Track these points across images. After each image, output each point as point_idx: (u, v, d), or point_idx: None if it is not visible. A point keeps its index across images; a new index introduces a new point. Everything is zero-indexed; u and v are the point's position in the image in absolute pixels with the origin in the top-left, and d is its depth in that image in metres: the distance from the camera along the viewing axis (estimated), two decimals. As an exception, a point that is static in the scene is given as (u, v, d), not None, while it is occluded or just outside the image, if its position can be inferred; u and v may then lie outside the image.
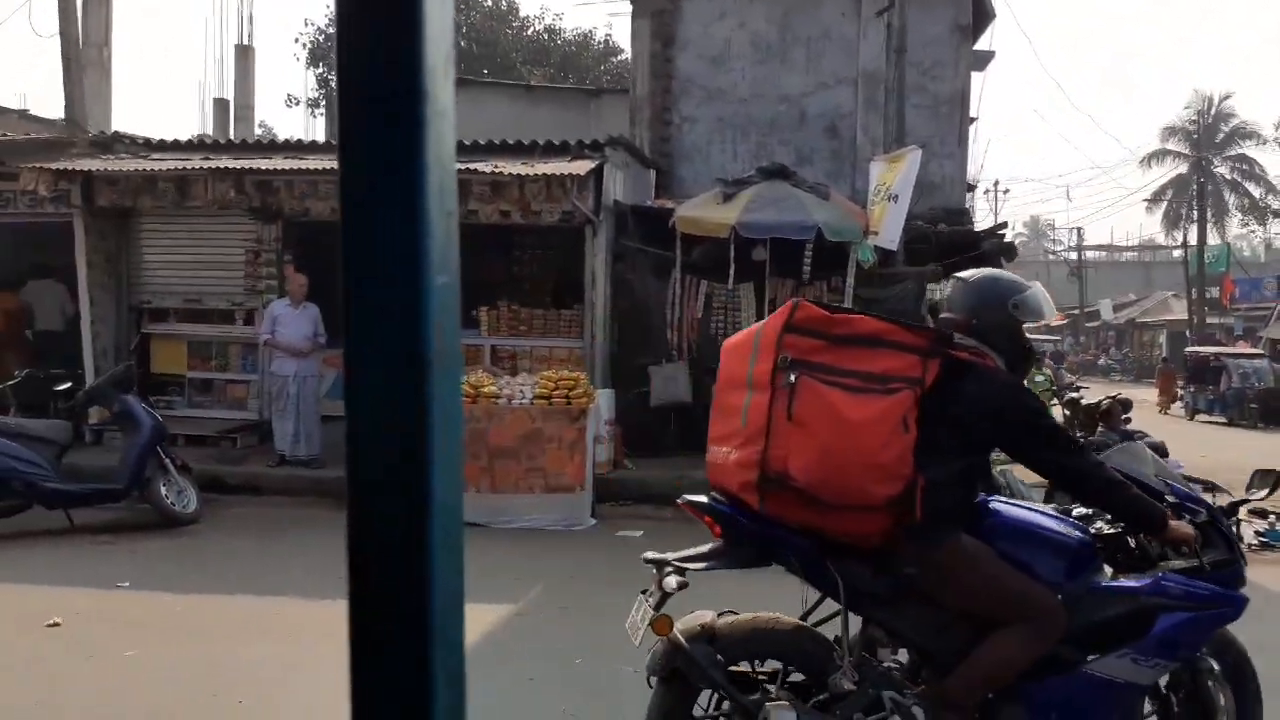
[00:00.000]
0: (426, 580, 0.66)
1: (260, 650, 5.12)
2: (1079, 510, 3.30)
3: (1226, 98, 42.38)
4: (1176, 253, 49.78)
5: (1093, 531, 3.18)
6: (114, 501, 7.89)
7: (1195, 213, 40.71)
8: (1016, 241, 14.97)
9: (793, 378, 2.87)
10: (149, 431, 7.80)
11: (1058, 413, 16.57)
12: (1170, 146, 42.79)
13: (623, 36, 40.04)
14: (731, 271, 9.82)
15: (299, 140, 12.33)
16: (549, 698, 4.50)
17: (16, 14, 75.69)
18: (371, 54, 0.65)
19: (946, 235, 11.14)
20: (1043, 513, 3.29)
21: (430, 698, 0.67)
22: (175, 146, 11.83)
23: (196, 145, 12.05)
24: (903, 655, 3.23)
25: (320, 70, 26.29)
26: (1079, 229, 50.54)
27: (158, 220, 11.16)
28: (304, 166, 10.12)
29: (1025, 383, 13.75)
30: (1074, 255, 51.28)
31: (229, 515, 8.42)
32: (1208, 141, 40.98)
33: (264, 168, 10.10)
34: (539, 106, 17.20)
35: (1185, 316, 38.87)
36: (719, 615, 3.15)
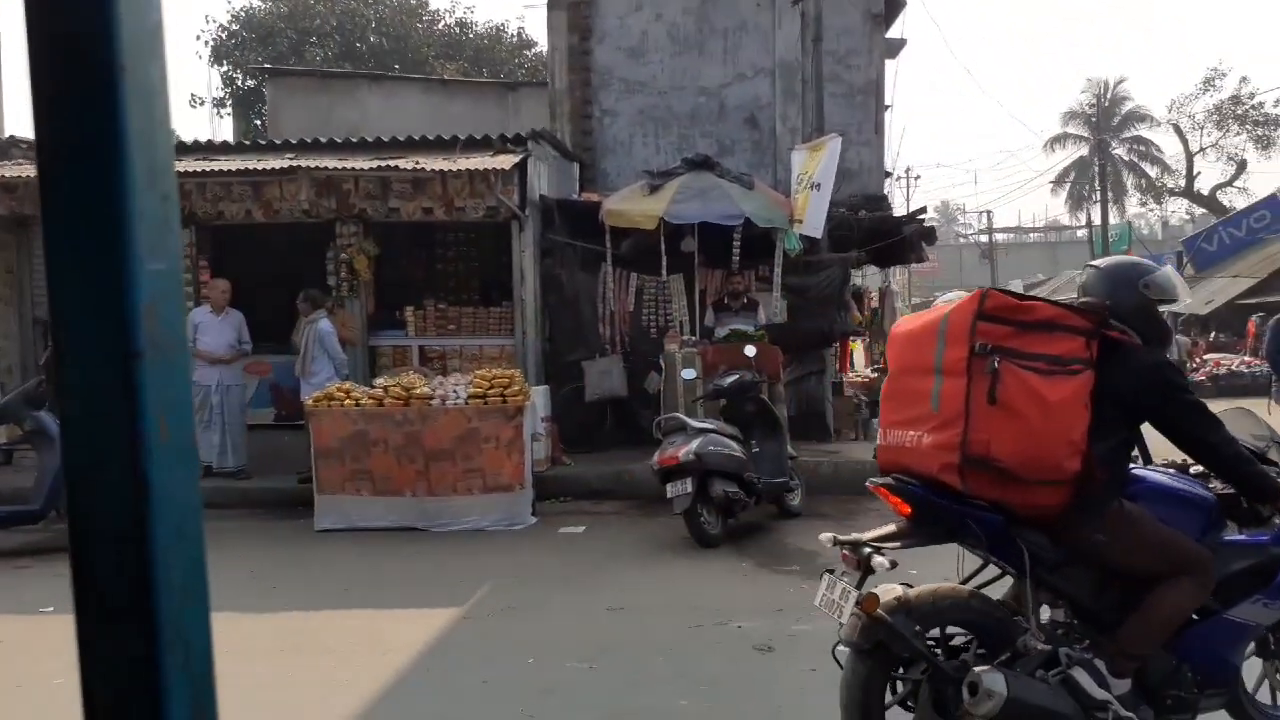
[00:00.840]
0: (150, 576, 0.64)
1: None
2: (1195, 469, 3.55)
3: (1121, 82, 44.20)
4: (1081, 233, 51.71)
5: (1216, 491, 3.45)
6: (31, 523, 7.53)
7: (1097, 194, 42.30)
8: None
9: (995, 363, 3.03)
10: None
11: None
12: (1071, 130, 44.40)
13: (535, 30, 39.77)
14: (664, 263, 9.83)
15: (209, 141, 11.93)
16: (504, 700, 4.45)
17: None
18: (63, 23, 0.61)
19: (868, 221, 11.33)
20: (1172, 476, 3.53)
21: (162, 699, 0.65)
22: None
23: (99, 149, 11.54)
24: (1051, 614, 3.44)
25: (225, 68, 25.43)
26: (989, 212, 52.07)
27: None
28: (215, 168, 9.78)
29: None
30: (984, 238, 52.76)
31: (153, 532, 8.10)
32: (1105, 125, 42.59)
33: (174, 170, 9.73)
34: (454, 101, 16.95)
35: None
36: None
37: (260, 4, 25.82)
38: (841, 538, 3.30)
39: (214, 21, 26.14)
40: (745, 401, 8.13)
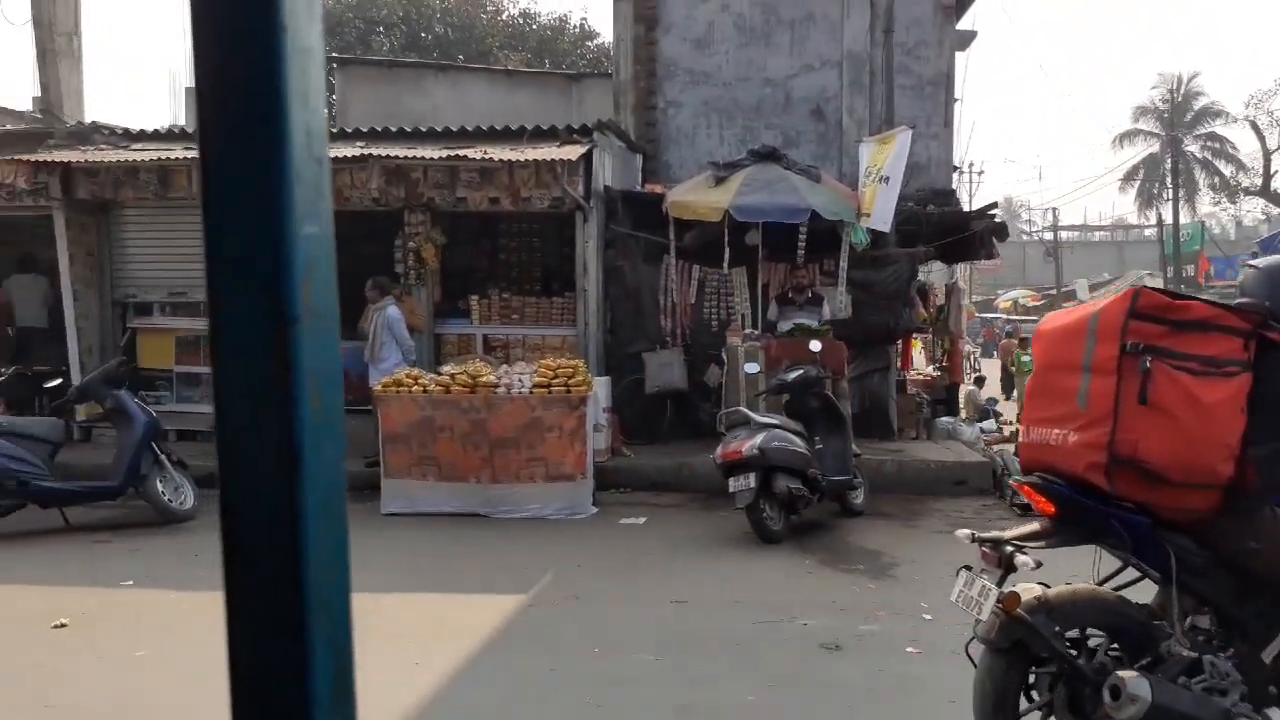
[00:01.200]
0: (299, 546, 0.64)
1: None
2: None
3: (1194, 77, 42.87)
4: (1149, 232, 50.31)
5: None
6: (110, 499, 7.77)
7: (1167, 191, 41.14)
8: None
9: (1147, 363, 3.00)
10: (143, 428, 7.67)
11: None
12: (1142, 126, 43.20)
13: (598, 21, 39.80)
14: (727, 256, 9.78)
15: (281, 129, 12.13)
16: (572, 689, 4.48)
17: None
18: None
19: (937, 216, 11.14)
20: None
21: (308, 666, 0.65)
22: (155, 136, 11.60)
23: (177, 135, 11.82)
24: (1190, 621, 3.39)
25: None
26: (1054, 209, 50.90)
27: (139, 212, 10.95)
28: (290, 156, 9.95)
29: (1012, 365, 13.71)
30: (1049, 236, 51.62)
31: (225, 511, 8.29)
32: (1178, 120, 41.37)
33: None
34: (519, 91, 17.02)
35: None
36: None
37: (329, -6, 26.24)
38: (983, 535, 3.29)
39: (284, 11, 26.60)
40: (809, 397, 8.05)
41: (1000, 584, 3.14)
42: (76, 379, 9.92)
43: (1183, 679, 3.08)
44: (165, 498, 7.74)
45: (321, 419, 0.64)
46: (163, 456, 7.85)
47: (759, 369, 9.20)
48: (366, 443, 8.94)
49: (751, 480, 7.16)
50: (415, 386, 8.28)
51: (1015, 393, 18.70)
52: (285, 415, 0.62)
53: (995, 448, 10.88)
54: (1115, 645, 3.22)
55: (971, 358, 21.19)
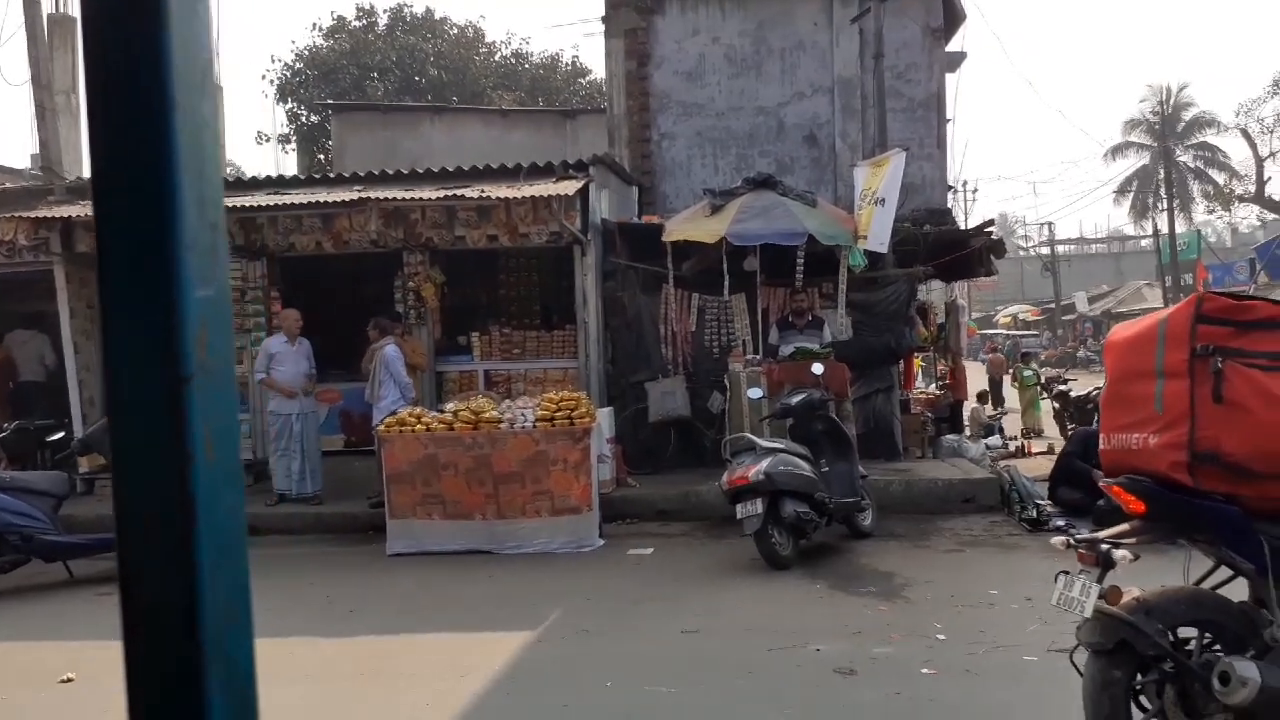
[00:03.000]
0: (195, 595, 0.65)
1: (279, 694, 5.00)
2: None
3: (1184, 87, 43.14)
4: (1145, 242, 50.40)
5: None
6: (113, 551, 7.70)
7: (1162, 202, 41.25)
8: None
9: (1219, 363, 3.12)
10: (147, 477, 7.64)
11: (1047, 406, 16.71)
12: (1133, 138, 43.43)
13: (591, 57, 40.26)
14: (726, 282, 9.80)
15: (279, 175, 12.24)
16: (585, 723, 4.42)
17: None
18: (117, 63, 0.64)
19: (934, 236, 11.18)
20: None
21: (205, 715, 0.66)
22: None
23: (175, 186, 11.92)
24: None
25: (290, 106, 26.15)
26: (1050, 224, 51.07)
27: None
28: (287, 201, 10.03)
29: (1013, 376, 13.72)
30: (1045, 250, 51.73)
31: (232, 558, 8.24)
32: (1169, 131, 41.59)
33: (246, 204, 10.00)
34: (514, 130, 17.20)
35: (1161, 304, 39.30)
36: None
37: (323, 42, 26.55)
38: (1077, 537, 3.40)
39: (279, 61, 26.96)
40: (813, 420, 8.03)
41: (1101, 580, 3.22)
42: (79, 431, 9.93)
43: None
44: (170, 547, 7.70)
45: (218, 469, 0.67)
46: (167, 505, 7.82)
47: (762, 394, 9.18)
48: (370, 483, 8.92)
49: (759, 506, 7.12)
50: (418, 425, 8.27)
51: (1003, 406, 18.66)
52: (180, 467, 0.65)
53: (1001, 463, 10.83)
54: (1216, 643, 3.27)
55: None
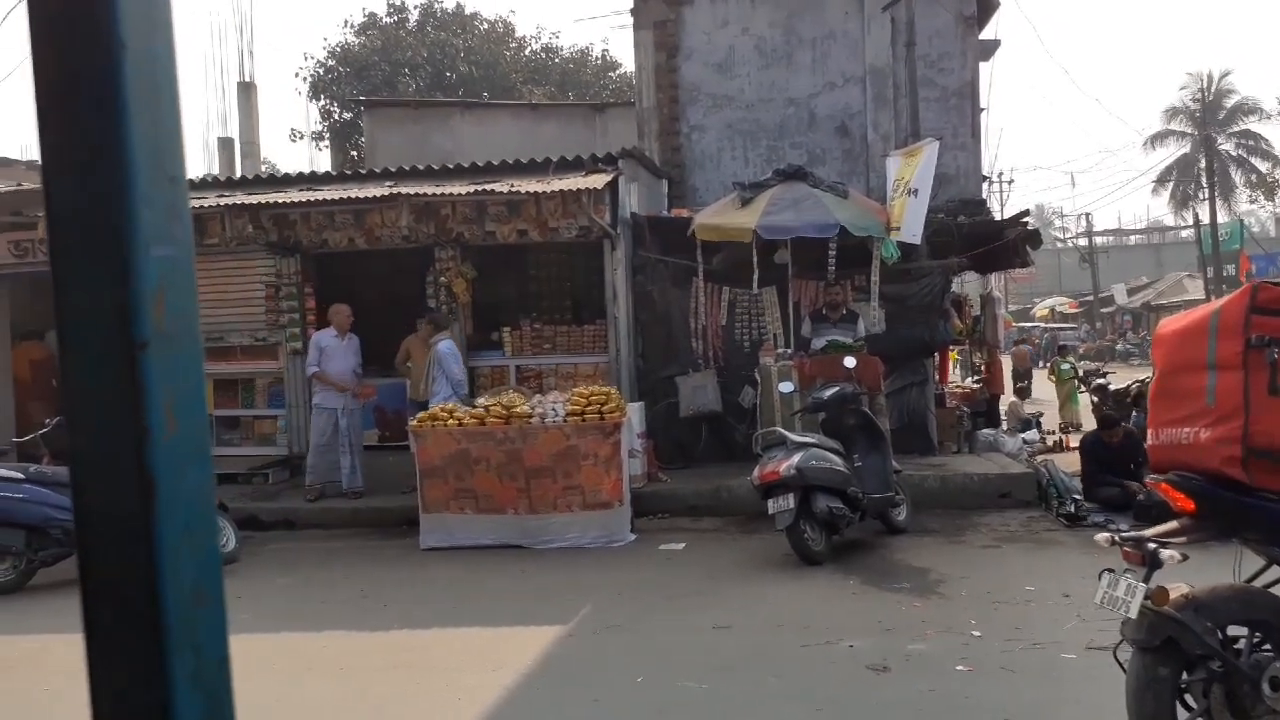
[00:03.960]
0: (157, 577, 0.61)
1: (312, 687, 5.05)
2: None
3: (1226, 75, 42.28)
4: (1186, 233, 49.49)
5: None
6: None
7: (1203, 191, 40.47)
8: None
9: (1275, 354, 3.06)
10: (184, 472, 7.74)
11: (1085, 400, 16.45)
12: (1173, 126, 42.63)
13: (620, 50, 40.22)
14: (756, 276, 9.74)
15: (311, 172, 12.34)
16: (617, 719, 4.41)
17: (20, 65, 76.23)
18: (62, 3, 0.58)
19: (968, 227, 11.02)
20: None
21: (169, 712, 0.61)
22: (189, 185, 11.82)
23: (210, 183, 12.06)
24: None
25: (323, 103, 26.38)
26: (1088, 214, 50.29)
27: None
28: (320, 197, 10.10)
29: (1050, 371, 13.57)
30: (1083, 241, 50.97)
31: (267, 552, 8.36)
32: (1211, 119, 40.77)
33: (280, 201, 10.09)
34: (544, 124, 17.21)
35: (1202, 296, 38.60)
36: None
37: (354, 39, 26.74)
38: (1123, 535, 3.33)
39: (312, 59, 27.19)
40: (846, 414, 7.95)
41: (1148, 579, 3.16)
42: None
43: None
44: (208, 540, 7.79)
45: (181, 443, 0.62)
46: (204, 499, 7.91)
47: (793, 388, 9.12)
48: (405, 478, 8.97)
49: (790, 501, 7.07)
50: (450, 420, 8.30)
51: (1029, 398, 18.40)
52: (136, 440, 0.61)
53: (1039, 458, 10.68)
54: (1266, 642, 3.21)
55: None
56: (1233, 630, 3.26)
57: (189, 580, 0.63)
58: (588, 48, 28.88)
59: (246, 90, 24.32)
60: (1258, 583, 3.43)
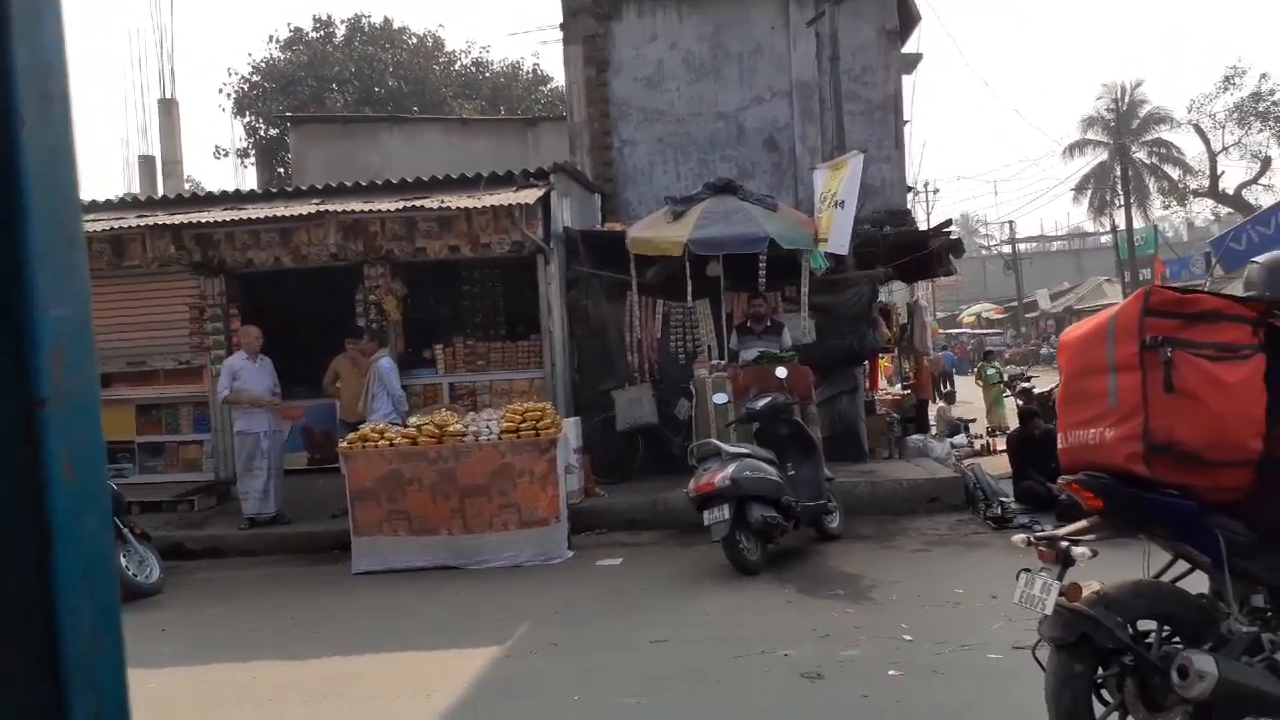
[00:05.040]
0: (56, 621, 0.63)
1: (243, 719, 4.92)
2: None
3: (1139, 85, 43.94)
4: (1105, 239, 51.16)
5: None
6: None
7: (1119, 198, 41.90)
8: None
9: (1168, 354, 3.16)
10: (104, 501, 7.50)
11: (1010, 404, 16.87)
12: (1090, 136, 44.09)
13: (551, 65, 40.20)
14: (689, 289, 9.81)
15: (236, 190, 12.09)
16: (552, 739, 4.37)
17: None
18: None
19: (894, 237, 11.26)
20: None
21: None
22: (106, 206, 11.52)
23: (130, 203, 11.75)
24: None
25: (247, 119, 25.89)
26: (1011, 223, 51.69)
27: (94, 283, 10.47)
28: (244, 216, 9.90)
29: (976, 376, 13.83)
30: (1007, 249, 52.36)
31: (194, 581, 8.13)
32: (1125, 128, 42.27)
33: (203, 220, 9.86)
34: (475, 139, 17.14)
35: (1120, 300, 39.85)
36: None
37: (280, 54, 26.31)
38: (1037, 535, 3.43)
39: (236, 74, 26.66)
40: (779, 424, 8.04)
41: (1061, 577, 3.26)
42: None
43: (1245, 657, 3.16)
44: (129, 572, 7.56)
45: (80, 492, 0.64)
46: (125, 530, 7.68)
47: (728, 399, 9.19)
48: (334, 502, 8.82)
49: (726, 512, 7.11)
50: (381, 441, 8.18)
51: (941, 403, 18.86)
52: (37, 491, 0.63)
53: (966, 462, 10.91)
54: (1175, 635, 3.31)
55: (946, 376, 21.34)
56: (1144, 625, 3.35)
57: (88, 623, 0.65)
58: (519, 62, 28.83)
59: (168, 107, 23.78)
60: (1165, 577, 3.54)
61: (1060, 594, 3.19)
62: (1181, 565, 3.51)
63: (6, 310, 0.61)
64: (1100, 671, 3.31)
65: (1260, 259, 3.68)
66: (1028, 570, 3.38)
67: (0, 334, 0.62)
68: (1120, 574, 3.57)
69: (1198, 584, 3.47)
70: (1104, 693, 3.35)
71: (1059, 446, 3.62)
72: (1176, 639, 3.31)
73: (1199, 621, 3.30)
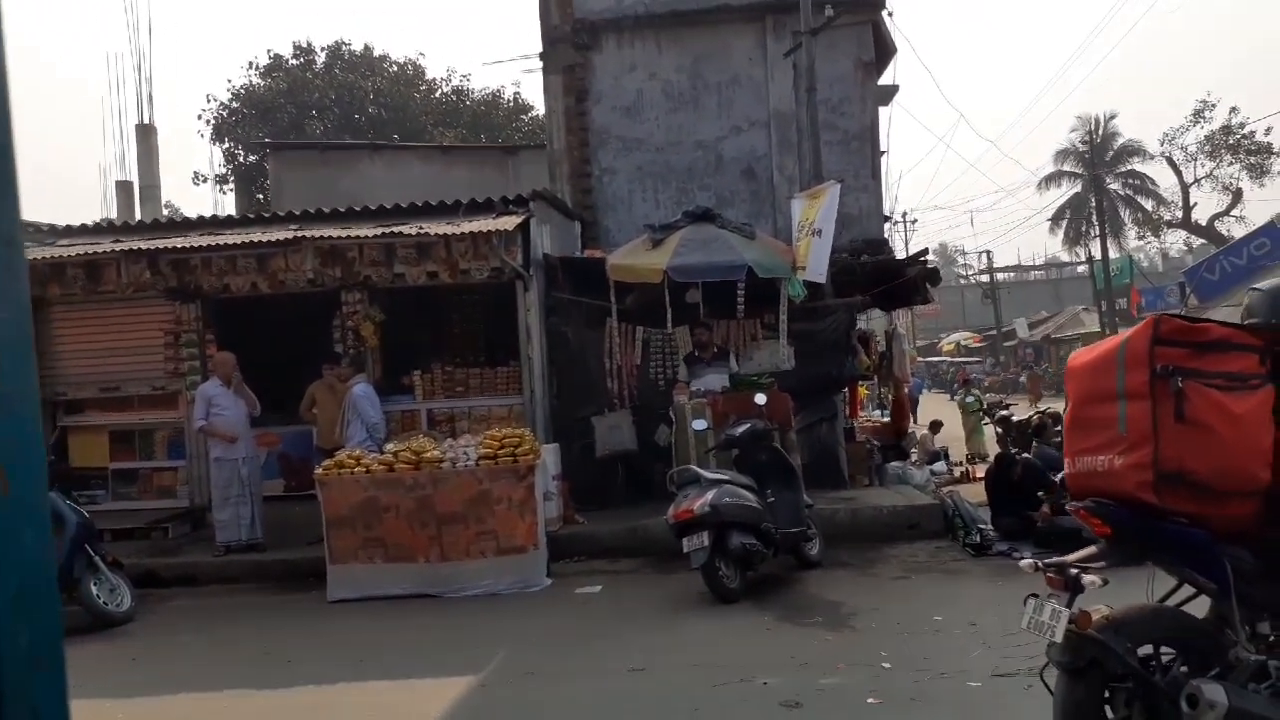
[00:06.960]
0: None
1: (214, 751, 4.82)
2: None
3: (1112, 118, 44.59)
4: (1081, 269, 51.76)
5: None
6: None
7: (1094, 229, 42.43)
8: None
9: (1179, 383, 3.16)
10: (75, 529, 7.39)
11: (989, 432, 16.97)
12: (1065, 168, 44.72)
13: (532, 93, 40.46)
14: (669, 315, 9.83)
15: (213, 216, 12.04)
16: (528, 769, 4.31)
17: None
18: None
19: (871, 265, 11.34)
20: None
21: None
22: (83, 231, 11.44)
23: (105, 228, 11.67)
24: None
25: (227, 145, 25.85)
26: (988, 252, 52.20)
27: (68, 308, 10.70)
28: (221, 242, 9.85)
29: (957, 402, 13.90)
30: (985, 278, 52.85)
31: (167, 609, 8.00)
32: (1099, 160, 42.92)
33: (179, 246, 9.80)
34: (455, 167, 17.17)
35: (1098, 328, 40.31)
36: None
37: (260, 81, 26.33)
38: (1046, 561, 3.41)
39: (215, 100, 26.64)
40: (758, 450, 8.04)
41: (1070, 604, 3.25)
42: (5, 483, 9.56)
43: (1251, 684, 3.16)
44: (100, 601, 7.43)
45: (16, 506, 0.61)
46: (97, 558, 7.56)
47: (707, 426, 9.18)
48: (311, 529, 8.71)
49: (705, 539, 7.08)
50: (358, 467, 8.11)
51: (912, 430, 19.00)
52: None
53: (945, 489, 10.94)
54: (1182, 661, 3.30)
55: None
56: (1151, 650, 3.35)
57: (27, 644, 0.61)
58: (499, 90, 28.97)
59: (145, 132, 23.68)
60: (1170, 602, 3.53)
61: (1070, 621, 3.20)
62: (1186, 589, 3.49)
63: None
64: (1110, 686, 3.31)
65: (1261, 286, 3.71)
66: (1035, 595, 3.38)
67: None
68: (1123, 597, 3.57)
69: (1200, 609, 3.47)
70: (1109, 707, 3.33)
71: (1066, 471, 3.63)
72: (1184, 665, 3.29)
73: (1205, 647, 3.29)
